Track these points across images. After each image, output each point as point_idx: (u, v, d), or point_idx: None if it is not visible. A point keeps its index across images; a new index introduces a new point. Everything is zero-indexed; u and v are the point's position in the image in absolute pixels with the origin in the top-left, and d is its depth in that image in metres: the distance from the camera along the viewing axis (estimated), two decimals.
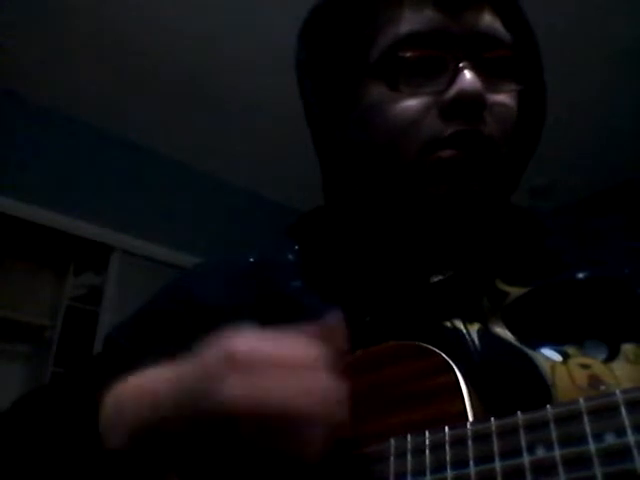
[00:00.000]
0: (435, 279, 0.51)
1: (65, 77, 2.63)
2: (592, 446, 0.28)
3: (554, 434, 0.29)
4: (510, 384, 0.43)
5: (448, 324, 0.48)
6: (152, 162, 3.06)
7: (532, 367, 0.45)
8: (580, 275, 0.52)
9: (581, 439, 0.28)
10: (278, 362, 0.32)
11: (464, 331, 0.47)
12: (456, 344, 0.46)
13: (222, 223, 3.14)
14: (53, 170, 2.71)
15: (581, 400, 0.30)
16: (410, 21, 0.49)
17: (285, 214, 3.06)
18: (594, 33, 2.31)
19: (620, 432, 0.27)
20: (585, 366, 0.45)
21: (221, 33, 2.40)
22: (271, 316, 0.52)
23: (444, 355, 0.39)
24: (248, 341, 0.34)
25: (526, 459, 0.30)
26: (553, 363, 0.45)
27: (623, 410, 0.28)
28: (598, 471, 0.27)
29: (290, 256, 0.58)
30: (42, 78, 2.63)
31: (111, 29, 2.39)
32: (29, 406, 0.49)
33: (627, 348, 0.47)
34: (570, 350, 0.47)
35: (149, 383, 0.38)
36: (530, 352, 0.46)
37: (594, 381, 0.44)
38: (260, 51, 2.46)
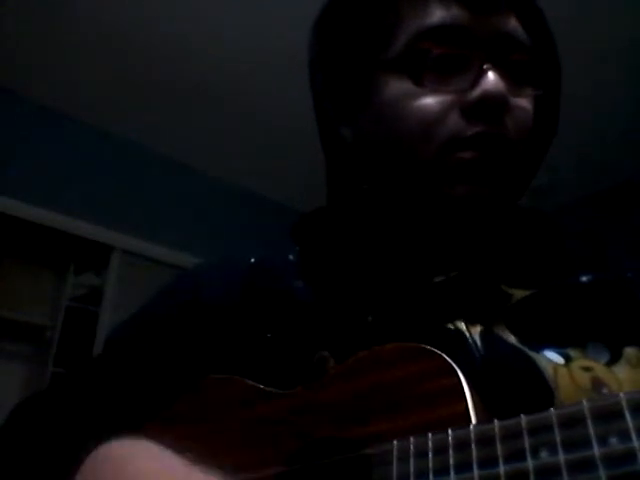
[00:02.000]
0: (438, 279, 0.51)
1: (65, 77, 2.63)
2: (596, 450, 0.28)
3: (558, 438, 0.29)
4: (513, 386, 0.43)
5: (450, 325, 0.48)
6: (152, 162, 3.05)
7: (535, 369, 0.45)
8: (583, 278, 0.52)
9: (585, 443, 0.28)
10: None
11: (466, 333, 0.47)
12: (458, 346, 0.46)
13: (222, 223, 3.13)
14: (53, 170, 2.70)
15: (585, 403, 0.30)
16: (437, 15, 0.49)
17: (285, 214, 3.06)
18: (594, 33, 2.31)
19: (624, 436, 0.27)
20: (587, 369, 0.45)
21: (221, 33, 2.40)
22: (272, 316, 0.52)
23: (446, 357, 0.39)
24: None
25: (530, 463, 0.29)
26: (555, 365, 0.45)
27: (627, 414, 0.28)
28: (603, 475, 0.27)
29: (291, 256, 0.58)
30: (42, 78, 2.63)
31: (111, 29, 2.38)
32: (15, 440, 0.49)
33: (629, 352, 0.47)
34: (572, 353, 0.47)
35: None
36: (532, 354, 0.46)
37: (597, 384, 0.44)
38: (260, 51, 2.46)
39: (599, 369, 0.45)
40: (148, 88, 2.68)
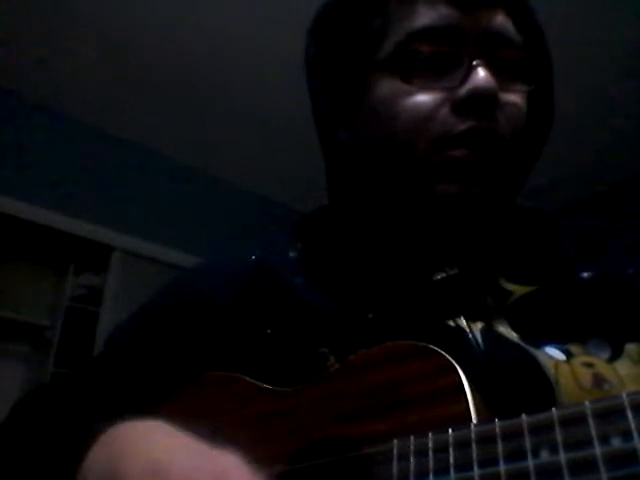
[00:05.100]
0: (438, 276, 0.51)
1: (65, 77, 2.63)
2: (598, 450, 0.27)
3: (559, 437, 0.29)
4: (514, 383, 0.43)
5: (451, 322, 0.48)
6: (152, 162, 3.05)
7: (536, 366, 0.45)
8: (584, 274, 0.52)
9: (587, 443, 0.28)
10: None
11: (467, 330, 0.47)
12: (459, 343, 0.46)
13: (222, 223, 3.13)
14: (53, 170, 2.70)
15: (587, 402, 0.30)
16: (425, 16, 0.49)
17: (286, 214, 3.06)
18: (594, 33, 2.30)
19: (626, 436, 0.27)
20: (589, 365, 0.45)
21: (221, 33, 2.40)
22: (273, 313, 0.52)
23: (447, 355, 0.39)
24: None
25: (531, 463, 0.29)
26: (556, 362, 0.45)
27: (629, 413, 0.28)
28: (604, 475, 0.27)
29: (292, 254, 0.58)
30: (42, 78, 2.63)
31: (111, 29, 2.38)
32: (19, 427, 0.49)
33: (631, 348, 0.47)
34: (573, 348, 0.47)
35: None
36: (533, 351, 0.46)
37: (598, 380, 0.44)
38: (261, 51, 2.46)
39: (600, 365, 0.45)
40: (148, 88, 2.68)
